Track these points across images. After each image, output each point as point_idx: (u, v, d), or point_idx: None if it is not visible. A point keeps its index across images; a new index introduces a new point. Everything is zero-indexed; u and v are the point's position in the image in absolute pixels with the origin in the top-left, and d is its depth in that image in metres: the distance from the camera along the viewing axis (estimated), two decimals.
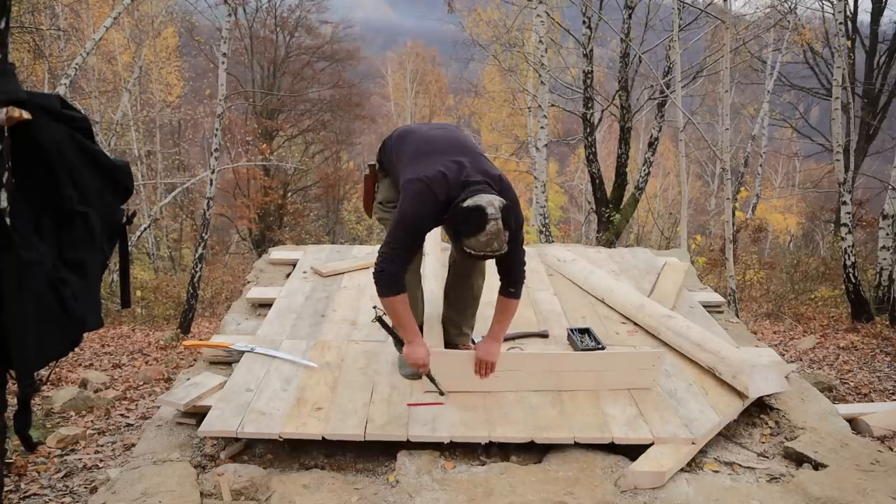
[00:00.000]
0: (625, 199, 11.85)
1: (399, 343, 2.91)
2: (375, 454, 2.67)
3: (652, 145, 11.66)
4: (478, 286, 3.12)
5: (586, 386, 2.96)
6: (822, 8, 11.76)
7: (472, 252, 2.48)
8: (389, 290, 2.64)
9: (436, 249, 4.23)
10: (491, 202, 2.43)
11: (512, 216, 2.48)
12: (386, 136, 3.01)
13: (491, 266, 2.85)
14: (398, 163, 2.81)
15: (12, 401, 1.79)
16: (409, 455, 2.60)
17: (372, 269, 2.69)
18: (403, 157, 2.78)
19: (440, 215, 2.60)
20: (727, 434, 2.85)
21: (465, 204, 2.46)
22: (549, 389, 2.93)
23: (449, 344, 3.17)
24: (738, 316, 6.25)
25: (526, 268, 2.82)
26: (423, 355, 2.75)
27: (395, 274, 2.63)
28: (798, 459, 2.66)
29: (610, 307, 3.92)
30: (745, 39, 11.58)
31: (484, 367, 2.88)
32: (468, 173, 2.60)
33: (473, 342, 3.21)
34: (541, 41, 8.33)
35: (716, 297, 4.29)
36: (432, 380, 2.83)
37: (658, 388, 3.00)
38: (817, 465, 2.58)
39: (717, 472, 2.60)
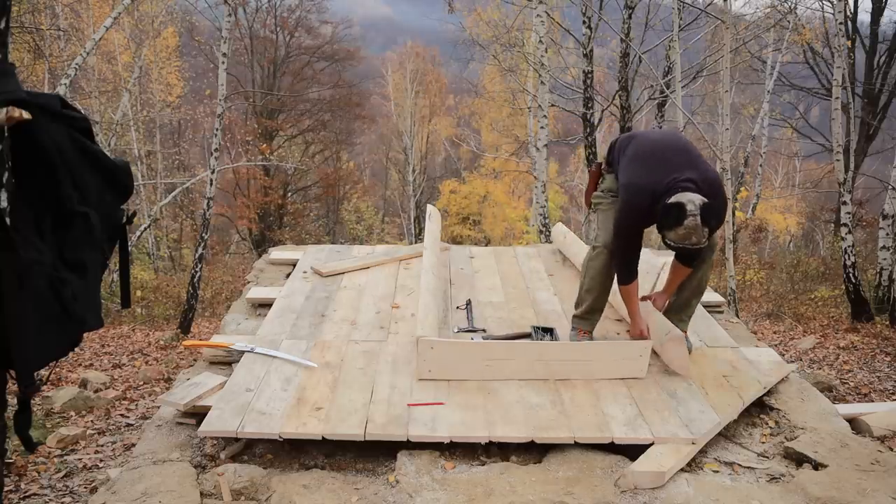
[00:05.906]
0: None
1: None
2: (375, 454, 2.68)
3: None
4: (705, 279, 3.29)
5: (577, 375, 3.02)
6: (822, 8, 11.78)
7: (672, 243, 2.80)
8: (626, 279, 3.07)
9: (434, 247, 4.24)
10: (692, 200, 2.70)
11: (713, 214, 2.74)
12: (614, 140, 3.37)
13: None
14: (620, 163, 3.15)
15: (12, 401, 1.79)
16: (409, 455, 2.60)
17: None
18: (625, 158, 3.10)
19: (652, 213, 2.88)
20: (727, 434, 2.85)
21: (669, 201, 2.75)
22: (540, 378, 3.00)
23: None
24: (738, 316, 6.25)
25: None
26: (644, 326, 3.16)
27: (626, 265, 3.04)
28: (798, 459, 2.66)
29: (610, 306, 3.91)
30: (745, 39, 11.57)
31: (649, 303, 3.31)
32: (677, 176, 2.83)
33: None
34: (541, 41, 8.32)
35: (716, 297, 4.28)
36: None
37: (652, 383, 3.01)
38: (817, 465, 2.58)
39: (717, 472, 2.60)
